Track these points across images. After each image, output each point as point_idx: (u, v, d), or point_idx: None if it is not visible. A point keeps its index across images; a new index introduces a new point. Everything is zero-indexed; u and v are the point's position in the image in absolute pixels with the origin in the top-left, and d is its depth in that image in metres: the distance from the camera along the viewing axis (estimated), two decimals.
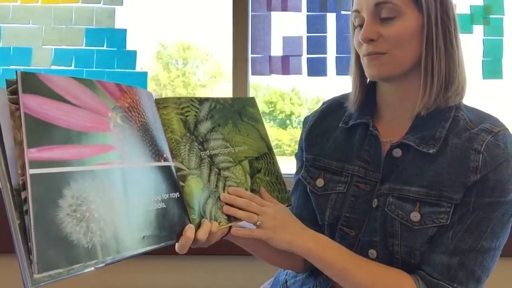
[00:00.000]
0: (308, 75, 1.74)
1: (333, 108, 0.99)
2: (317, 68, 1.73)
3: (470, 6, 1.69)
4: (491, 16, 1.69)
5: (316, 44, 1.74)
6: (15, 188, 0.55)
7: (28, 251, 0.54)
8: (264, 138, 0.93)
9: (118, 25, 1.76)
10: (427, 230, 0.80)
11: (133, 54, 1.75)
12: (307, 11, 1.74)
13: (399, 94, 0.86)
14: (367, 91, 0.92)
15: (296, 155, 1.05)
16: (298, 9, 1.75)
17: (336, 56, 1.73)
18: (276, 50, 1.75)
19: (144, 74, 1.77)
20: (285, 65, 1.74)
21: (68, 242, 0.57)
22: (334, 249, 0.83)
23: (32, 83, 0.59)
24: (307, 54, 1.74)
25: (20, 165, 0.56)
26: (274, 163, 0.92)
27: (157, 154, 0.73)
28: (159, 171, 0.72)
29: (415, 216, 0.80)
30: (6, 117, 0.57)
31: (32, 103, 0.58)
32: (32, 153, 0.56)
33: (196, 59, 1.98)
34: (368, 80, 0.92)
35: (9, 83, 0.58)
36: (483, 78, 1.67)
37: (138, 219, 0.66)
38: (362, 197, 0.87)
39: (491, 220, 0.78)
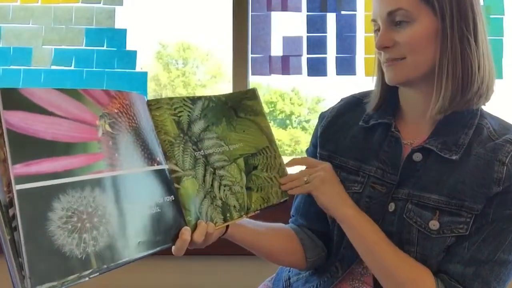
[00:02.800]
0: (308, 75, 1.74)
1: (351, 106, 0.98)
2: (317, 68, 1.73)
3: None
4: (491, 16, 1.69)
5: (316, 44, 1.74)
6: (3, 205, 0.55)
7: (20, 266, 0.54)
8: (264, 131, 0.91)
9: (118, 25, 1.76)
10: (445, 239, 0.79)
11: (133, 54, 1.75)
12: (307, 11, 1.74)
13: (419, 98, 0.86)
14: (390, 91, 0.91)
15: (307, 151, 1.04)
16: (298, 9, 1.75)
17: (336, 56, 1.73)
18: (276, 50, 1.75)
19: (144, 74, 1.77)
20: (285, 65, 1.74)
21: (60, 254, 0.57)
22: (370, 223, 0.84)
23: (13, 99, 0.58)
24: (307, 54, 1.74)
25: (5, 182, 0.56)
26: (275, 157, 0.91)
27: (149, 158, 0.72)
28: (152, 175, 0.72)
29: (433, 224, 0.79)
30: None
31: (14, 118, 0.58)
32: (17, 169, 0.56)
33: (196, 59, 1.98)
34: None
35: None
36: (490, 77, 1.67)
37: (132, 225, 0.66)
38: (377, 198, 0.86)
39: (510, 232, 0.78)
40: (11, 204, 0.55)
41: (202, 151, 0.80)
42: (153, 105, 0.77)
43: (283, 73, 1.74)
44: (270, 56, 1.75)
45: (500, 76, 1.68)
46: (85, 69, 1.74)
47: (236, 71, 1.74)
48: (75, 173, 0.61)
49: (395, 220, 0.83)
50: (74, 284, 0.58)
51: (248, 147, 0.88)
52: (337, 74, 1.72)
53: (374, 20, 0.85)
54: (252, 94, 0.92)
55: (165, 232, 0.71)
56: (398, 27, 0.80)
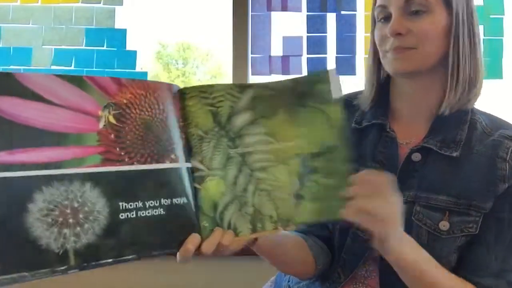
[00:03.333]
0: None
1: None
2: (317, 68, 1.73)
3: None
4: (491, 16, 1.69)
5: (316, 44, 1.74)
6: None
7: None
8: (334, 124, 0.72)
9: (118, 25, 1.76)
10: (455, 239, 0.79)
11: (133, 54, 1.75)
12: (307, 11, 1.74)
13: (419, 93, 0.85)
14: (381, 91, 0.90)
15: None
16: (298, 9, 1.75)
17: (336, 56, 1.73)
18: (276, 50, 1.75)
19: (144, 74, 1.77)
20: (285, 65, 1.74)
21: (35, 246, 0.56)
22: (428, 260, 0.76)
23: (7, 83, 0.57)
24: (307, 54, 1.74)
25: None
26: (343, 161, 0.71)
27: (160, 155, 0.66)
28: (159, 174, 0.66)
29: (444, 225, 0.79)
30: None
31: (4, 104, 0.56)
32: (0, 156, 0.55)
33: (196, 59, 1.98)
34: (381, 79, 0.90)
35: None
36: (483, 78, 1.67)
37: (125, 226, 0.62)
38: None
39: None
40: None
41: (239, 148, 0.71)
42: (187, 94, 0.70)
43: (283, 73, 1.74)
44: (270, 56, 1.75)
45: (500, 76, 1.68)
46: (85, 69, 1.74)
47: (236, 71, 1.74)
48: (64, 165, 0.59)
49: (402, 223, 0.82)
50: (48, 277, 0.57)
51: (309, 144, 0.72)
52: (337, 74, 1.72)
53: (383, 6, 0.83)
54: (323, 78, 0.73)
55: (169, 236, 0.66)
56: (413, 16, 0.80)
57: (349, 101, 0.95)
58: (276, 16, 1.75)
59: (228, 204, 0.69)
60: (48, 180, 0.58)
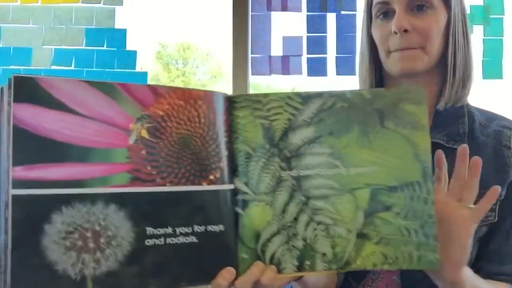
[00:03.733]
0: (308, 75, 1.74)
1: None
2: (317, 68, 1.73)
3: (470, 6, 1.69)
4: (491, 16, 1.69)
5: (316, 44, 1.74)
6: (5, 202, 0.51)
7: (4, 271, 0.49)
8: (420, 157, 0.61)
9: (118, 25, 1.76)
10: (477, 231, 0.76)
11: (133, 54, 1.75)
12: (307, 11, 1.74)
13: None
14: None
15: None
16: (298, 9, 1.74)
17: (336, 56, 1.73)
18: (276, 50, 1.75)
19: (144, 74, 1.77)
20: (285, 65, 1.74)
21: (51, 271, 0.50)
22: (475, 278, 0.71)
23: (27, 89, 0.51)
24: (307, 54, 1.74)
25: (7, 181, 0.51)
26: (426, 201, 0.60)
27: (197, 175, 0.59)
28: (194, 197, 0.58)
29: None
30: (5, 121, 0.51)
31: (24, 113, 0.51)
32: (16, 172, 0.50)
33: (196, 59, 1.98)
34: (378, 78, 0.90)
35: (10, 83, 0.52)
36: (483, 78, 1.67)
37: (150, 253, 0.55)
38: None
39: None
40: (7, 205, 0.50)
41: (294, 170, 0.60)
42: (237, 103, 0.61)
43: (283, 73, 1.74)
44: (270, 56, 1.74)
45: (500, 76, 1.68)
46: (85, 69, 1.74)
47: (236, 71, 1.74)
48: (87, 184, 0.53)
49: None
50: None
51: (384, 175, 0.60)
52: (337, 74, 1.72)
53: (385, 2, 0.81)
54: (417, 96, 0.62)
55: (200, 268, 0.58)
56: (417, 11, 0.80)
57: None
58: (276, 16, 1.75)
59: (274, 235, 0.60)
60: (69, 199, 0.52)
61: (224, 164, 0.60)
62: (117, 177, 0.55)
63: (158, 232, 0.56)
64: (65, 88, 0.53)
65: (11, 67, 1.74)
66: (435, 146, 0.83)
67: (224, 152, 0.60)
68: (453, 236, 0.63)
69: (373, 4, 0.84)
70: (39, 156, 0.51)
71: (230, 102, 0.61)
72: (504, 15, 1.69)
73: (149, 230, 0.56)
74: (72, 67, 1.75)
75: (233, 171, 0.61)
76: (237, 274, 0.59)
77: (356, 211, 0.60)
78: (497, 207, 0.78)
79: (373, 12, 0.84)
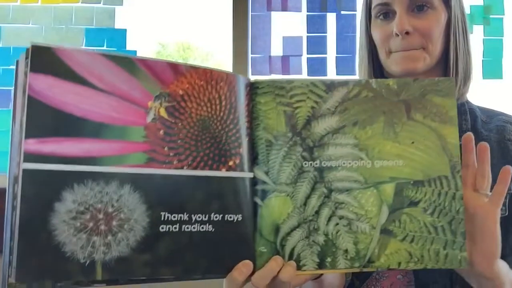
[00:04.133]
0: (308, 75, 1.74)
1: None
2: (317, 68, 1.73)
3: (470, 6, 1.69)
4: (491, 16, 1.69)
5: (316, 44, 1.74)
6: (13, 177, 0.48)
7: (11, 252, 0.47)
8: (448, 150, 0.58)
9: (118, 25, 1.76)
10: None
11: (133, 54, 1.75)
12: (307, 11, 1.74)
13: None
14: None
15: None
16: (298, 9, 1.75)
17: (336, 56, 1.73)
18: (276, 50, 1.75)
19: None
20: (285, 65, 1.74)
21: (59, 253, 0.47)
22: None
23: (45, 59, 0.49)
24: (307, 54, 1.74)
25: (19, 154, 0.48)
26: (454, 197, 0.58)
27: (216, 160, 0.56)
28: (212, 183, 0.55)
29: None
30: (20, 92, 0.49)
31: (40, 84, 0.48)
32: (29, 144, 0.47)
33: (196, 59, 1.98)
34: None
35: (27, 53, 0.49)
36: (483, 78, 1.67)
37: (163, 240, 0.52)
38: None
39: None
40: (16, 180, 0.47)
41: (317, 161, 0.58)
42: (259, 89, 0.58)
43: (283, 73, 1.74)
44: (270, 56, 1.74)
45: (500, 76, 1.68)
46: None
47: (236, 71, 1.74)
48: (102, 162, 0.50)
49: None
50: None
51: (410, 169, 0.58)
52: (337, 74, 1.72)
53: (385, 4, 0.81)
54: (447, 88, 0.59)
55: (215, 259, 0.55)
56: (418, 12, 0.80)
57: None
58: (276, 16, 1.75)
59: (294, 229, 0.57)
60: (82, 177, 0.49)
61: (244, 150, 0.57)
62: (133, 156, 0.52)
63: (173, 218, 0.53)
64: (83, 61, 0.51)
65: (11, 67, 1.74)
66: None
67: (244, 138, 0.57)
68: (479, 227, 0.61)
69: (373, 5, 0.84)
70: (53, 129, 0.49)
71: (252, 87, 0.59)
72: (504, 15, 1.69)
73: (164, 215, 0.53)
74: None
75: (253, 159, 0.58)
76: (254, 268, 0.56)
77: (380, 206, 0.57)
78: (508, 200, 0.77)
79: (373, 13, 0.84)
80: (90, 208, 0.49)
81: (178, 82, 0.54)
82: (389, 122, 0.58)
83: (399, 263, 0.57)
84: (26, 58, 0.49)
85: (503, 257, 0.74)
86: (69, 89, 0.50)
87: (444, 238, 0.57)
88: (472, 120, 0.83)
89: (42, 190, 0.47)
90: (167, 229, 0.52)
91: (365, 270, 0.57)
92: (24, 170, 0.47)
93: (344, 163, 0.58)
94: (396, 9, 0.80)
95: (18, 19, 1.75)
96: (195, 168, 0.54)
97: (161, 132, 0.53)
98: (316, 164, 0.58)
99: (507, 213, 0.77)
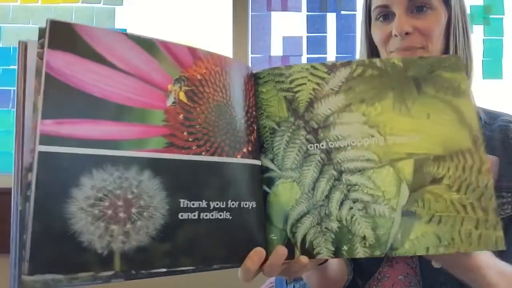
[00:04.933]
0: None
1: None
2: None
3: (470, 6, 1.69)
4: (491, 16, 1.69)
5: (316, 44, 1.74)
6: (25, 167, 0.45)
7: (23, 245, 0.43)
8: (467, 122, 0.54)
9: (118, 25, 1.76)
10: None
11: None
12: (307, 11, 1.74)
13: None
14: None
15: None
16: (298, 9, 1.75)
17: (336, 56, 1.73)
18: (276, 50, 1.75)
19: None
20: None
21: (75, 242, 0.44)
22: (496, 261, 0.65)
23: (64, 35, 0.47)
24: (307, 54, 1.74)
25: (33, 139, 0.45)
26: (480, 171, 0.53)
27: (232, 146, 0.55)
28: (229, 169, 0.54)
29: None
30: (33, 70, 0.47)
31: (58, 61, 0.46)
32: (46, 125, 0.44)
33: None
34: None
35: (41, 33, 0.48)
36: (483, 78, 1.67)
37: (183, 228, 0.50)
38: None
39: None
40: (31, 168, 0.44)
41: (323, 143, 0.54)
42: (261, 78, 0.58)
43: None
44: (270, 56, 1.75)
45: (500, 76, 1.68)
46: None
47: None
48: (122, 146, 0.48)
49: None
50: (86, 284, 0.46)
51: (428, 143, 0.53)
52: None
53: (384, 6, 0.82)
54: (454, 64, 0.57)
55: (233, 248, 0.53)
56: (417, 13, 0.80)
57: None
58: (276, 16, 1.75)
59: (304, 216, 0.54)
60: (101, 161, 0.46)
61: (254, 138, 0.57)
62: (153, 141, 0.50)
63: (192, 206, 0.51)
64: (104, 39, 0.49)
65: (11, 67, 1.74)
66: None
67: (254, 126, 0.57)
68: None
69: (372, 7, 0.84)
70: (71, 110, 0.46)
71: (256, 78, 0.59)
72: (504, 15, 1.69)
73: (183, 202, 0.50)
74: None
75: (260, 147, 0.57)
76: (267, 255, 0.54)
77: (399, 186, 0.52)
78: None
79: (373, 15, 0.85)
80: (109, 195, 0.46)
81: (196, 66, 0.54)
82: (399, 98, 0.55)
83: (427, 248, 0.51)
84: (41, 37, 0.47)
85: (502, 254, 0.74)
86: (89, 68, 0.47)
87: (475, 217, 0.52)
88: None
89: (59, 175, 0.44)
90: (186, 217, 0.50)
91: (388, 256, 0.54)
92: (40, 153, 0.44)
93: (353, 142, 0.54)
94: (395, 10, 0.81)
95: (18, 19, 1.75)
96: (213, 154, 0.53)
97: (181, 116, 0.52)
98: (323, 145, 0.54)
99: (510, 214, 0.77)
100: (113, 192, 0.47)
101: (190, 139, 0.52)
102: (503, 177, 0.78)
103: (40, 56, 0.47)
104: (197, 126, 0.53)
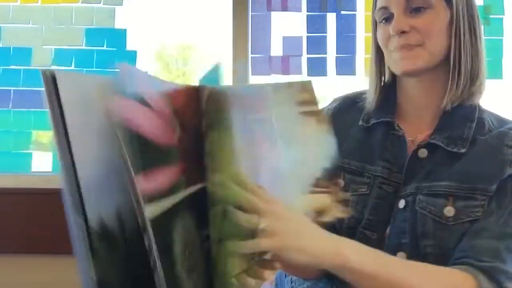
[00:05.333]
0: (308, 75, 1.74)
1: (346, 106, 0.96)
2: (317, 68, 1.73)
3: None
4: (491, 16, 1.69)
5: (316, 44, 1.74)
6: (90, 226, 0.39)
7: None
8: None
9: (118, 25, 1.76)
10: (462, 226, 0.78)
11: (133, 54, 1.75)
12: (307, 11, 1.74)
13: (425, 90, 0.86)
14: (387, 89, 0.91)
15: None
16: (298, 9, 1.74)
17: (336, 56, 1.73)
18: (276, 50, 1.75)
19: None
20: (285, 65, 1.74)
21: None
22: (373, 254, 0.67)
23: (129, 82, 0.44)
24: (307, 54, 1.74)
25: (133, 194, 0.40)
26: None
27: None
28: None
29: (449, 211, 0.78)
30: (96, 120, 0.43)
31: (129, 110, 0.42)
32: (142, 183, 0.39)
33: (196, 59, 1.98)
34: (386, 79, 0.91)
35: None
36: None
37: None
38: (385, 198, 0.84)
39: None
40: (143, 228, 0.39)
41: None
42: None
43: (283, 73, 1.74)
44: (270, 56, 1.74)
45: (500, 76, 1.68)
46: (85, 69, 1.74)
47: (236, 71, 1.74)
48: (178, 189, 0.44)
49: (407, 216, 0.81)
50: None
51: None
52: (337, 74, 1.72)
53: (384, 8, 0.83)
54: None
55: None
56: (415, 13, 0.80)
57: (354, 100, 0.96)
58: (276, 16, 1.75)
59: None
60: (184, 207, 0.43)
61: None
62: (182, 180, 0.46)
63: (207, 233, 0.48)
64: (141, 78, 0.46)
65: (11, 67, 1.74)
66: (433, 148, 0.83)
67: None
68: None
69: (376, 9, 0.86)
70: (151, 159, 0.41)
71: None
72: (504, 15, 1.69)
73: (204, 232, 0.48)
74: (72, 67, 1.75)
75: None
76: None
77: None
78: (486, 203, 0.77)
79: (377, 17, 0.86)
80: (190, 245, 0.43)
81: (177, 97, 0.50)
82: None
83: None
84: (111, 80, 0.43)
85: (462, 251, 0.75)
86: (145, 113, 0.43)
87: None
88: (476, 130, 0.82)
89: (165, 237, 0.40)
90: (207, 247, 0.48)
91: None
92: (152, 219, 0.39)
93: None
94: (393, 11, 0.82)
95: (18, 19, 1.75)
96: (202, 182, 0.51)
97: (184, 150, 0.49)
98: None
99: (482, 215, 0.77)
100: (192, 242, 0.44)
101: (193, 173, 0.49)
102: (480, 180, 0.78)
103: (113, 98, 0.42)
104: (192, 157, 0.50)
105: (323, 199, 0.69)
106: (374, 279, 0.64)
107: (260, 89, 0.63)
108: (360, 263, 0.63)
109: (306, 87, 0.70)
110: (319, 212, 0.68)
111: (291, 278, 0.97)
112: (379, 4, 0.85)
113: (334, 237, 0.65)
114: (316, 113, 0.70)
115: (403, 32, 0.80)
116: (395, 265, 0.69)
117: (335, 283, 0.87)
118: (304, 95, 0.68)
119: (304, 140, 0.64)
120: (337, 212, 0.72)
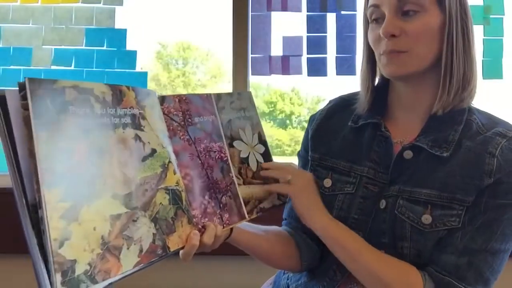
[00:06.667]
0: (308, 75, 1.74)
1: (340, 107, 0.97)
2: (317, 68, 1.73)
3: (470, 6, 1.69)
4: (491, 16, 1.69)
5: (316, 44, 1.74)
6: (31, 204, 0.52)
7: (48, 273, 0.51)
8: None
9: (118, 25, 1.76)
10: (438, 232, 0.79)
11: (133, 54, 1.75)
12: (307, 11, 1.74)
13: (414, 94, 0.85)
14: (378, 90, 0.90)
15: (298, 154, 1.03)
16: (298, 9, 1.74)
17: (336, 56, 1.73)
18: (276, 50, 1.75)
19: (144, 74, 1.77)
20: (285, 65, 1.74)
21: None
22: (348, 231, 0.84)
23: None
24: (307, 54, 1.74)
25: (35, 179, 0.52)
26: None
27: None
28: None
29: (426, 218, 0.79)
30: (18, 124, 0.53)
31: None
32: None
33: (196, 59, 1.98)
34: (378, 79, 0.90)
35: (21, 87, 0.54)
36: (483, 78, 1.67)
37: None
38: (371, 198, 0.85)
39: (501, 221, 0.77)
40: (39, 205, 0.51)
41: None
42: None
43: (283, 73, 1.74)
44: (270, 56, 1.74)
45: (500, 76, 1.68)
46: (85, 69, 1.74)
47: (236, 71, 1.74)
48: None
49: (387, 217, 0.83)
50: None
51: None
52: (337, 74, 1.72)
53: (376, 6, 0.81)
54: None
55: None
56: (406, 16, 0.79)
57: (348, 101, 0.96)
58: (276, 16, 1.75)
59: None
60: None
61: None
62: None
63: None
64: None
65: (11, 67, 1.74)
66: (417, 150, 0.83)
67: None
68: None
69: (368, 6, 0.85)
70: None
71: None
72: (504, 15, 1.69)
73: None
74: (72, 67, 1.75)
75: None
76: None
77: None
78: (463, 213, 0.78)
79: (368, 16, 0.85)
80: None
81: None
82: None
83: None
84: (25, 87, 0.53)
85: (436, 254, 0.79)
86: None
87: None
88: (463, 133, 0.81)
89: None
90: None
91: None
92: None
93: None
94: (385, 11, 0.80)
95: (18, 19, 1.75)
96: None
97: None
98: None
99: (460, 225, 0.78)
100: None
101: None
102: (459, 190, 0.78)
103: (24, 107, 0.54)
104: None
105: (260, 189, 0.88)
106: (344, 247, 0.83)
107: (205, 96, 0.84)
108: (334, 233, 0.85)
109: (242, 95, 0.91)
110: (260, 200, 0.87)
111: (287, 276, 0.99)
112: (371, 1, 0.83)
113: (326, 210, 0.88)
114: (250, 118, 0.92)
115: (392, 35, 0.79)
116: (363, 247, 0.82)
117: (324, 282, 0.89)
118: (240, 102, 0.90)
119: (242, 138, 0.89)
120: (275, 200, 0.91)
